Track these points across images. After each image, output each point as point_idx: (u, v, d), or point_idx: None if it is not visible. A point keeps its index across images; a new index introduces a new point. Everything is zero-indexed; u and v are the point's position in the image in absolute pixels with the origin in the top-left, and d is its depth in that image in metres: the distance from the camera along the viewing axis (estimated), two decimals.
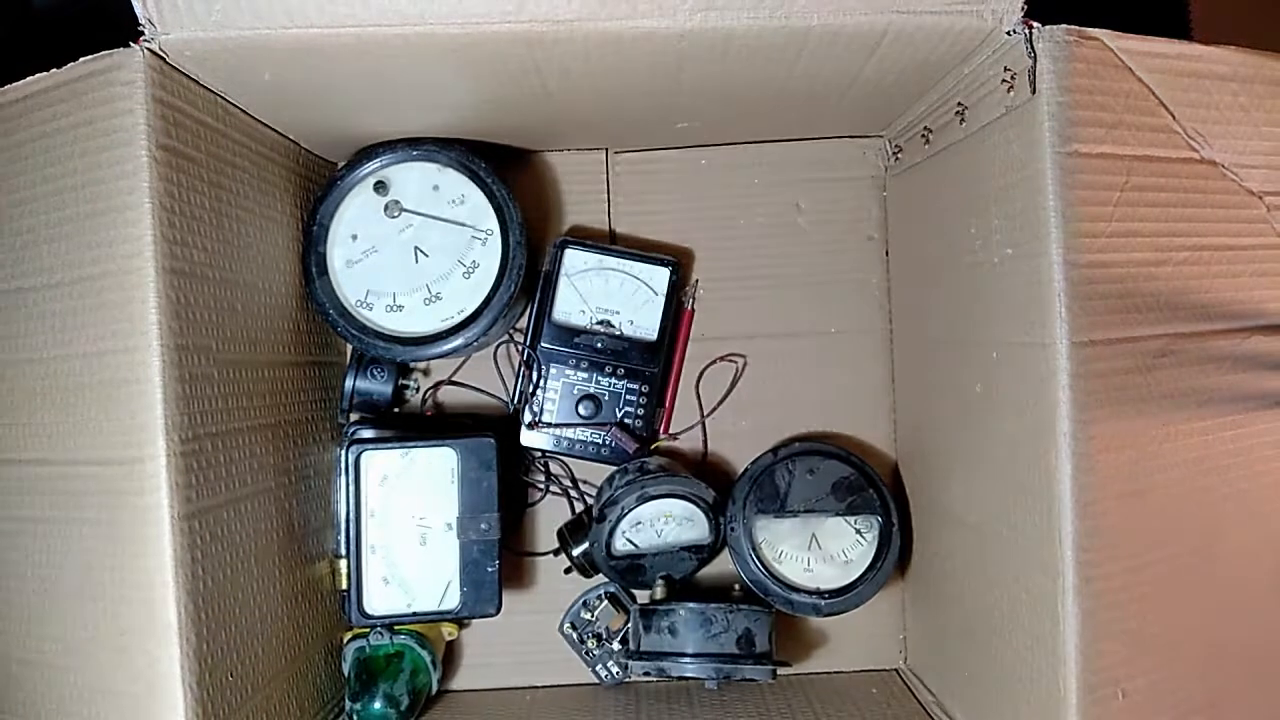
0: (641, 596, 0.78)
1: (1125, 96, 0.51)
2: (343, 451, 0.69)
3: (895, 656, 0.80)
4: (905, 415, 0.78)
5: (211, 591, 0.53)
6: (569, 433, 0.75)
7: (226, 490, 0.56)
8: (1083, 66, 0.50)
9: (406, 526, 0.67)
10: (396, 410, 0.76)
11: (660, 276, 0.75)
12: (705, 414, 0.79)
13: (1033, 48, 0.50)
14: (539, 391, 0.75)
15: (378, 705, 0.68)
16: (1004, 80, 0.53)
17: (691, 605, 0.68)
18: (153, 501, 0.50)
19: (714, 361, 0.79)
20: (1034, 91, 0.51)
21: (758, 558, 0.71)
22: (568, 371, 0.75)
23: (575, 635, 0.78)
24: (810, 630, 0.79)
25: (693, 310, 0.79)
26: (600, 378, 0.75)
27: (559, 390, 0.75)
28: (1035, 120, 0.51)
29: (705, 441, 0.80)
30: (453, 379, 0.79)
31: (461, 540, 0.67)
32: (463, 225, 0.70)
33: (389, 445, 0.67)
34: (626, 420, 0.75)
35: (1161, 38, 0.52)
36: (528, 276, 0.71)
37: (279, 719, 0.62)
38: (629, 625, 0.75)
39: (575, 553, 0.74)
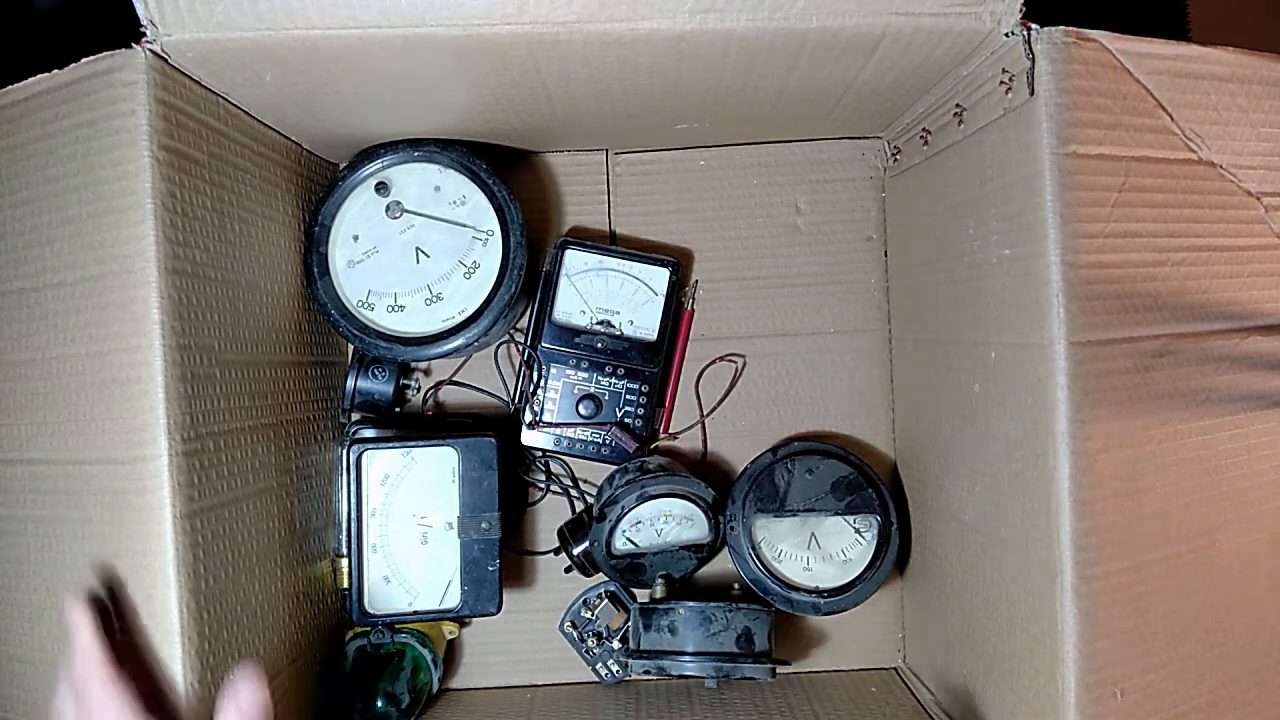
0: (641, 595, 0.78)
1: (1123, 98, 0.51)
2: (344, 451, 0.69)
3: (894, 655, 0.80)
4: (904, 415, 0.78)
5: (213, 590, 0.53)
6: (569, 432, 0.75)
7: (228, 489, 0.56)
8: (1081, 68, 0.50)
9: (407, 525, 0.68)
10: (398, 410, 0.77)
11: (660, 277, 0.75)
12: (705, 414, 0.80)
13: (1031, 49, 0.51)
14: (539, 391, 0.75)
15: (379, 704, 0.68)
16: (1002, 82, 0.53)
17: (691, 604, 0.69)
18: (154, 501, 0.50)
19: (714, 361, 0.80)
20: (1032, 93, 0.51)
21: (757, 557, 0.71)
22: (568, 371, 0.75)
23: (575, 634, 0.78)
24: (809, 629, 0.80)
25: (692, 310, 0.79)
26: (600, 378, 0.75)
27: (559, 390, 0.75)
28: (1033, 121, 0.51)
29: (705, 441, 0.80)
30: (454, 379, 0.79)
31: (462, 539, 0.68)
32: (464, 226, 0.70)
33: (390, 445, 0.68)
34: (626, 420, 0.76)
35: (1160, 39, 0.52)
36: (528, 277, 0.71)
37: (280, 717, 0.62)
38: (629, 624, 0.75)
39: (575, 552, 0.75)
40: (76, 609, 0.48)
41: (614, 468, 0.76)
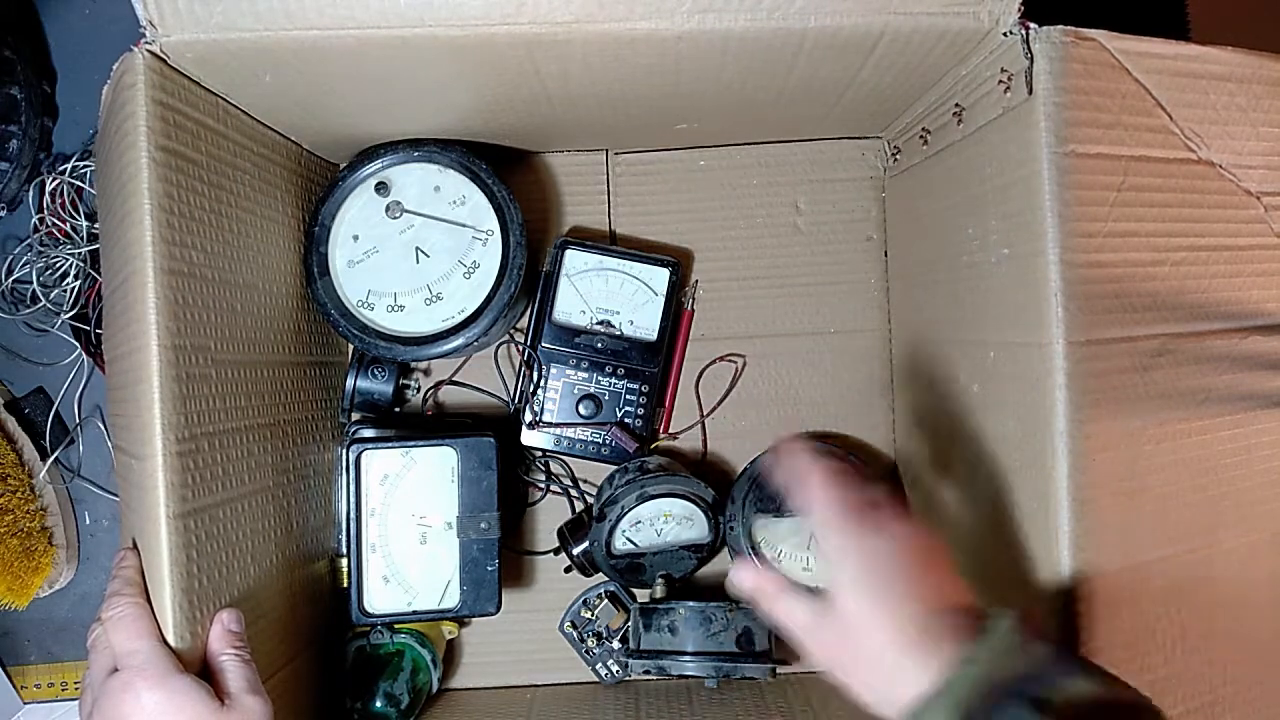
0: (641, 595, 0.78)
1: (1122, 97, 0.51)
2: (344, 450, 0.69)
3: None
4: (904, 415, 0.78)
5: (206, 590, 0.54)
6: (569, 432, 0.75)
7: (223, 490, 0.56)
8: (1079, 67, 0.50)
9: (407, 525, 0.68)
10: (397, 410, 0.77)
11: (660, 277, 0.75)
12: (705, 414, 0.80)
13: (1029, 48, 0.51)
14: (539, 391, 0.75)
15: (378, 704, 0.68)
16: (1001, 81, 0.53)
17: (691, 604, 0.69)
18: (151, 500, 0.51)
19: (714, 361, 0.80)
20: (1030, 92, 0.51)
21: (757, 557, 0.71)
22: (568, 371, 0.75)
23: (575, 634, 0.78)
24: None
25: (692, 310, 0.79)
26: (600, 377, 0.75)
27: (559, 390, 0.75)
28: (1032, 121, 0.51)
29: (705, 441, 0.80)
30: (453, 379, 0.79)
31: (461, 539, 0.68)
32: (463, 226, 0.70)
33: (390, 444, 0.68)
34: (626, 420, 0.76)
35: (1159, 38, 0.52)
36: (528, 277, 0.71)
37: (278, 716, 0.62)
38: (629, 624, 0.75)
39: (575, 551, 0.75)
40: (129, 552, 0.54)
41: (614, 468, 0.76)
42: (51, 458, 0.77)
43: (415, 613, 0.68)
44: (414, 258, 0.70)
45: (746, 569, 0.53)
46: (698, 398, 0.80)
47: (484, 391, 0.79)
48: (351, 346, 0.74)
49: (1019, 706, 0.41)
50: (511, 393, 0.78)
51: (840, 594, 0.47)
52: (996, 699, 0.42)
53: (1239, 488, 0.57)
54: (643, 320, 0.76)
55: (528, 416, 0.75)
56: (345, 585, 0.69)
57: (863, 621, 0.47)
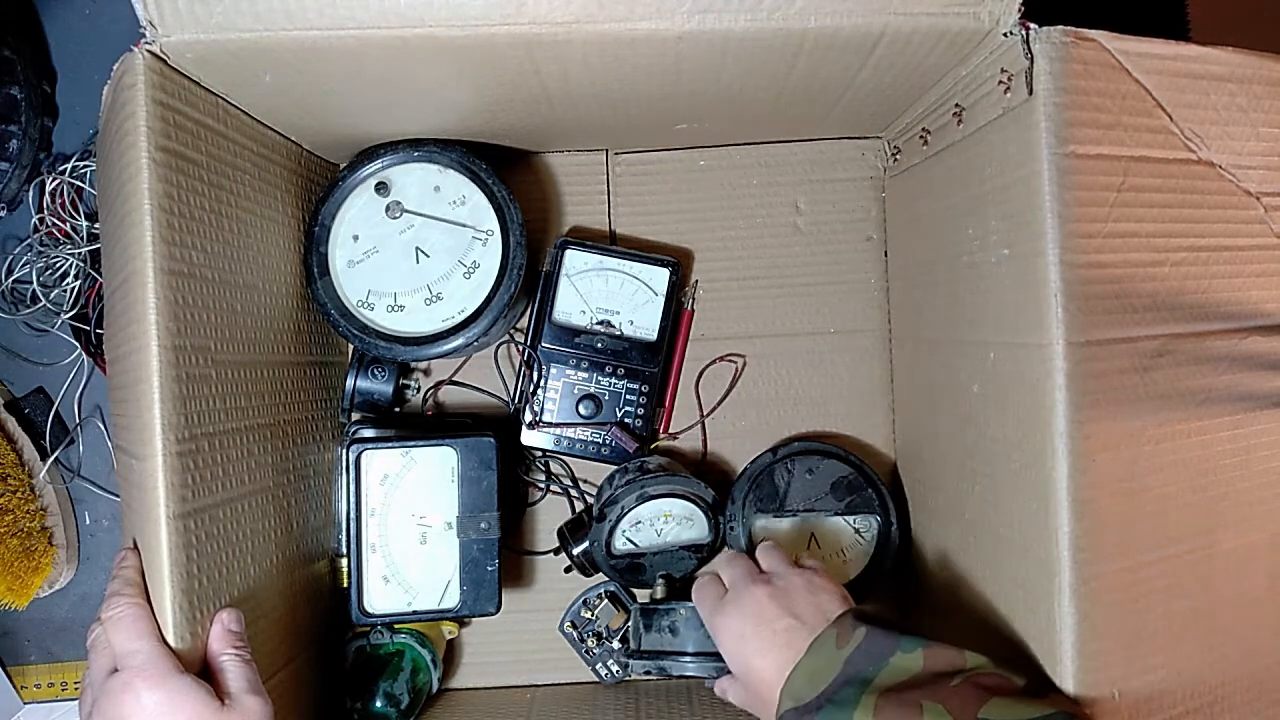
0: (641, 595, 0.78)
1: (1122, 97, 0.51)
2: (344, 450, 0.69)
3: None
4: (904, 415, 0.78)
5: (206, 590, 0.54)
6: (569, 432, 0.75)
7: (223, 490, 0.56)
8: (1080, 68, 0.50)
9: (407, 525, 0.68)
10: (397, 410, 0.77)
11: (660, 277, 0.75)
12: (705, 414, 0.80)
13: (1029, 49, 0.51)
14: (539, 391, 0.75)
15: (378, 704, 0.68)
16: (1001, 82, 0.53)
17: (691, 604, 0.68)
18: (152, 500, 0.51)
19: (714, 361, 0.80)
20: (1031, 92, 0.51)
21: None
22: (568, 371, 0.75)
23: (575, 634, 0.78)
24: None
25: (692, 310, 0.79)
26: (600, 377, 0.75)
27: (559, 390, 0.75)
28: (1032, 121, 0.51)
29: (705, 441, 0.80)
30: (453, 379, 0.79)
31: (461, 539, 0.68)
32: (463, 226, 0.70)
33: (390, 444, 0.68)
34: (626, 420, 0.76)
35: (1159, 39, 0.52)
36: (528, 277, 0.71)
37: (277, 717, 0.62)
38: (629, 624, 0.75)
39: (575, 552, 0.75)
40: (129, 552, 0.54)
41: (614, 468, 0.76)
42: (51, 458, 0.77)
43: (415, 613, 0.68)
44: (414, 258, 0.70)
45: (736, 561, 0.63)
46: (698, 398, 0.80)
47: (484, 391, 0.79)
48: (351, 346, 0.74)
49: (845, 689, 0.49)
50: (511, 393, 0.78)
51: (724, 656, 0.59)
52: (828, 686, 0.50)
53: (1238, 488, 0.57)
54: (643, 320, 0.76)
55: (528, 416, 0.75)
56: (345, 585, 0.69)
57: (749, 667, 0.56)
